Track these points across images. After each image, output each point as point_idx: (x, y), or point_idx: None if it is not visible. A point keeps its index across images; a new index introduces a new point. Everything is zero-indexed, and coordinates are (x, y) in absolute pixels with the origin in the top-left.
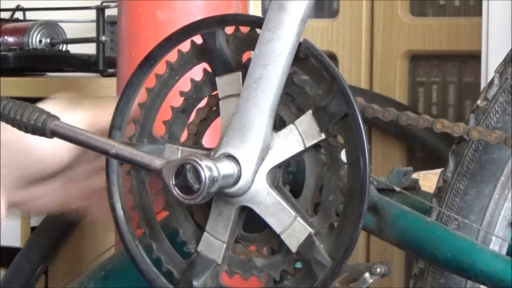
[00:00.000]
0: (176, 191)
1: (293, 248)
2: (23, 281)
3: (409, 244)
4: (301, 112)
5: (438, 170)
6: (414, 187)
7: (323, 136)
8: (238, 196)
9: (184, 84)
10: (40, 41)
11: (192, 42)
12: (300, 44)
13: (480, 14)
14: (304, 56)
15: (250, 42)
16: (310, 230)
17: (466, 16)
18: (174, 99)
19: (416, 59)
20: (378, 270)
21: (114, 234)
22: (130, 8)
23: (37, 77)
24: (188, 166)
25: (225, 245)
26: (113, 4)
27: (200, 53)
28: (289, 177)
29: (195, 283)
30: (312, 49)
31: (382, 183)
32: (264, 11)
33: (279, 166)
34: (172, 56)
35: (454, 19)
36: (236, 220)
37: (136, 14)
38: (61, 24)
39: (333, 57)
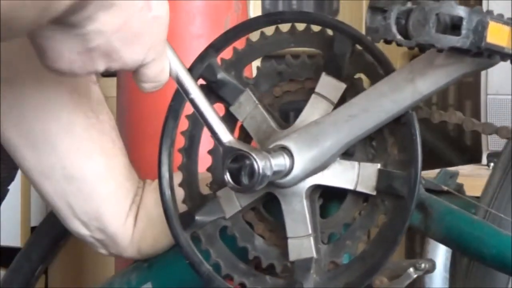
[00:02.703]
0: (226, 174)
1: (291, 257)
2: (23, 281)
3: (455, 241)
4: (372, 157)
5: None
6: (459, 190)
7: (374, 194)
8: (275, 186)
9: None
10: None
11: (324, 30)
12: (407, 113)
13: None
14: (403, 123)
15: (369, 68)
16: (314, 255)
17: None
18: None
19: None
20: (423, 266)
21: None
22: None
23: None
24: (247, 162)
25: (240, 208)
26: None
27: (323, 43)
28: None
29: (197, 217)
30: (413, 126)
31: (429, 182)
32: (264, 11)
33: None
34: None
35: None
36: (260, 199)
37: None
38: None
39: None
